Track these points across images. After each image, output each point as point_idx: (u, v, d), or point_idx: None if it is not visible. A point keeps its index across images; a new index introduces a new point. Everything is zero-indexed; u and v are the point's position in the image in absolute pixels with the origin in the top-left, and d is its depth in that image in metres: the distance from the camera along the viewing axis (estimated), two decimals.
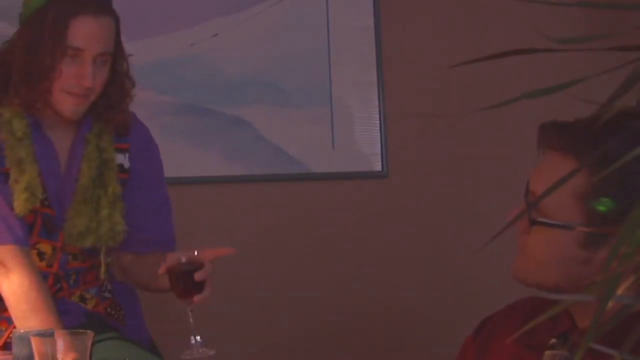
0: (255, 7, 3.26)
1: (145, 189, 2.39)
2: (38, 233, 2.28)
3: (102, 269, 2.30)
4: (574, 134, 1.49)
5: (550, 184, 1.43)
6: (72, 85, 2.23)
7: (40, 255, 2.29)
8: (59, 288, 2.31)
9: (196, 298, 2.10)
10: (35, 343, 1.73)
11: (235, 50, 3.24)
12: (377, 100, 3.33)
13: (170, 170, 3.18)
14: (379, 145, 3.33)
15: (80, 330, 1.74)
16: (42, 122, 2.29)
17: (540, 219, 1.49)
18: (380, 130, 3.32)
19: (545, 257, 1.50)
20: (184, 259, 2.10)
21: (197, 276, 2.09)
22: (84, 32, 2.21)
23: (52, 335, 1.75)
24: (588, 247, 1.46)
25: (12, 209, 2.22)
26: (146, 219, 2.38)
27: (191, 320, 2.08)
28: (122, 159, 2.36)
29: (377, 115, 3.33)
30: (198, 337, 2.08)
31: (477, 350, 1.67)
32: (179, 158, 3.17)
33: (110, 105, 2.33)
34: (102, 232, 2.27)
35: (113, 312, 2.38)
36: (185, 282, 2.10)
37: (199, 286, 2.10)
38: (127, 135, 2.38)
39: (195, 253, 2.12)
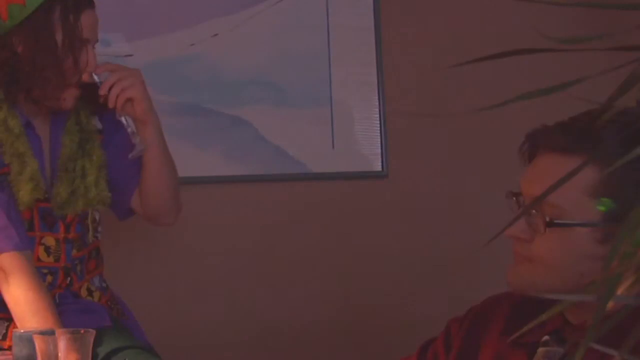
0: (255, 7, 3.26)
1: (117, 147, 2.42)
2: (39, 227, 2.31)
3: (90, 232, 2.37)
4: (575, 132, 1.48)
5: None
6: (75, 75, 2.30)
7: (47, 250, 2.32)
8: (69, 282, 2.35)
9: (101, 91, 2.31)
10: (37, 341, 1.73)
11: (235, 50, 3.24)
12: (377, 100, 3.33)
13: None
14: (379, 145, 3.32)
15: (81, 330, 1.74)
16: (31, 120, 2.32)
17: (557, 221, 1.46)
18: (380, 130, 3.32)
19: (559, 260, 1.47)
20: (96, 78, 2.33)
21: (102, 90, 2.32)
22: (89, 24, 2.31)
23: (51, 334, 1.75)
24: (606, 242, 1.44)
25: (9, 216, 2.24)
26: (120, 168, 2.43)
27: (125, 122, 2.34)
28: (95, 121, 2.43)
29: (377, 115, 3.32)
30: (138, 138, 2.34)
31: (464, 339, 1.66)
32: (179, 158, 3.16)
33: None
34: (91, 196, 2.33)
35: (112, 306, 2.43)
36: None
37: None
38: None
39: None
